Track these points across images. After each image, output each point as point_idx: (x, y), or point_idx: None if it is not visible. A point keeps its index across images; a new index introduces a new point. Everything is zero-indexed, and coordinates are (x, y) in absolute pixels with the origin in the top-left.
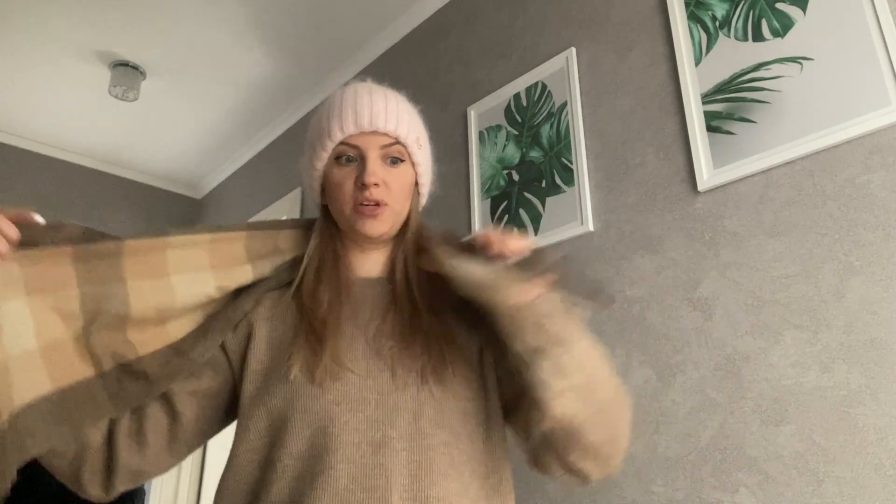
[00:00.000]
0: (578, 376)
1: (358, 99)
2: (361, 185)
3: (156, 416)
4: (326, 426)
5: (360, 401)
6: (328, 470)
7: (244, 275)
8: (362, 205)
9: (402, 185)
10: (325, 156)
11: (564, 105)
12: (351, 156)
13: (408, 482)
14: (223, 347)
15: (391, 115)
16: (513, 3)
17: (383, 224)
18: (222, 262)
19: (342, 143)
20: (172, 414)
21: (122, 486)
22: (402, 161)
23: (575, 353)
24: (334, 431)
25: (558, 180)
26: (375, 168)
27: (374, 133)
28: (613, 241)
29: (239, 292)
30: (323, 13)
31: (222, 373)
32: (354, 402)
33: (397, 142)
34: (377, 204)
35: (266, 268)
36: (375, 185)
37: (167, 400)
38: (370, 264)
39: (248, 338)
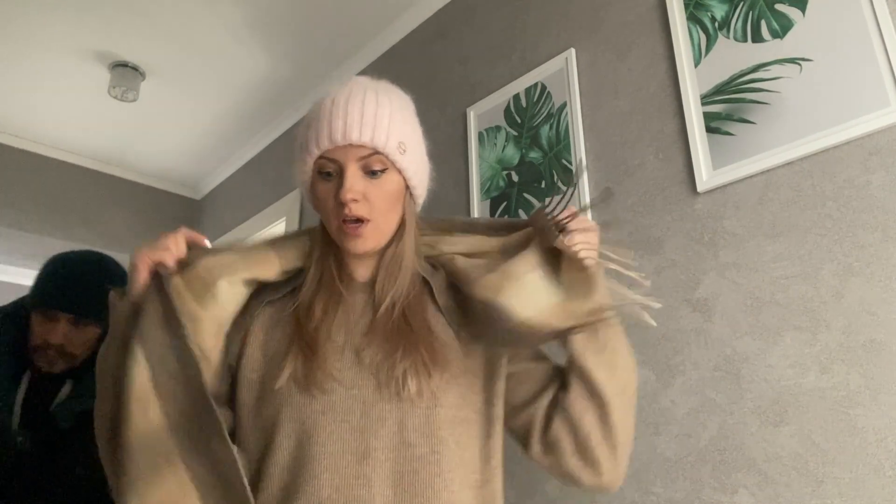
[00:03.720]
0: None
1: (334, 109)
2: (340, 203)
3: None
4: (311, 436)
5: (345, 411)
6: (312, 480)
7: (271, 266)
8: (345, 222)
9: (385, 197)
10: (307, 170)
11: (564, 106)
12: (331, 171)
13: (391, 493)
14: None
15: (367, 124)
16: (512, 4)
17: (367, 242)
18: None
19: (321, 157)
20: None
21: None
22: (384, 171)
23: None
24: (318, 441)
25: (558, 181)
26: (353, 183)
27: (350, 146)
28: (613, 242)
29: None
30: (322, 13)
31: (227, 379)
32: (339, 412)
33: (375, 152)
34: (359, 221)
35: (291, 260)
36: (354, 200)
37: None
38: (363, 269)
39: (243, 345)
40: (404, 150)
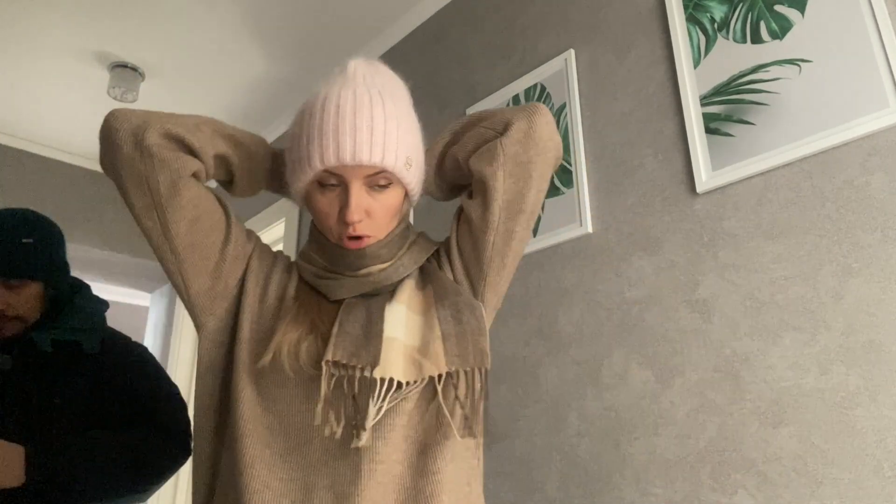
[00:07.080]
0: None
1: (340, 123)
2: (344, 222)
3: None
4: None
5: None
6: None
7: None
8: (348, 238)
9: (387, 210)
10: (305, 178)
11: (563, 107)
12: (333, 183)
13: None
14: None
15: (377, 143)
16: (512, 5)
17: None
18: None
19: (324, 171)
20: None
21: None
22: (388, 185)
23: None
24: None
25: (557, 182)
26: (359, 201)
27: (359, 165)
28: (612, 243)
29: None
30: (322, 14)
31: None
32: None
33: (384, 170)
34: (360, 237)
35: None
36: (359, 221)
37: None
38: None
39: (244, 279)
40: (410, 165)
